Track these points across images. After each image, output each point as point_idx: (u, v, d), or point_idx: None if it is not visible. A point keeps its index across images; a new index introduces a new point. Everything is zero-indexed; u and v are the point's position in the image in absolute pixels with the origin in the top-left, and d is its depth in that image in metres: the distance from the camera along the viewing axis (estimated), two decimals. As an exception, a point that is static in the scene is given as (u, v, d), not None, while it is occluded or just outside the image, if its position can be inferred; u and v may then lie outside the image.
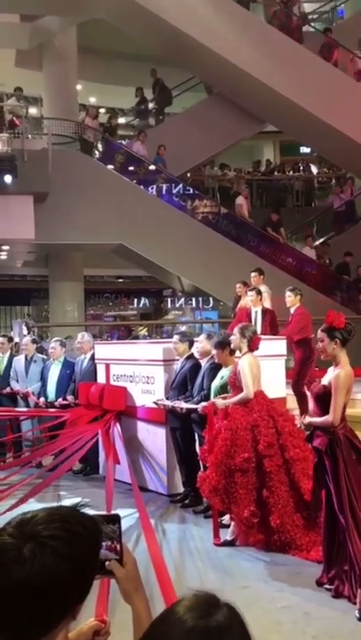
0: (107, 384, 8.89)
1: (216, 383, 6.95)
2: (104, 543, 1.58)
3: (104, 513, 1.64)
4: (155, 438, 8.12)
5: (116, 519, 1.63)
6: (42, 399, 9.55)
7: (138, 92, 18.82)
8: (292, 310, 9.67)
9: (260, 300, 9.95)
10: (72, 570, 1.29)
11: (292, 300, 9.64)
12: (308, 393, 7.87)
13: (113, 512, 1.66)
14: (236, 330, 6.53)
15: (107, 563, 1.60)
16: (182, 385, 7.64)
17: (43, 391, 9.68)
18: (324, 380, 5.07)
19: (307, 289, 14.88)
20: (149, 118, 18.52)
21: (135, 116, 18.55)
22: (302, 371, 9.40)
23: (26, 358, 10.01)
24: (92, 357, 9.40)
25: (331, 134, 15.63)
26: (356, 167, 17.55)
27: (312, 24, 17.85)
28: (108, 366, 9.05)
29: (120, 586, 1.61)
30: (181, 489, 7.71)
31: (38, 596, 1.25)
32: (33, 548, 1.27)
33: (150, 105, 18.67)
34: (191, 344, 7.78)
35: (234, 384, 6.30)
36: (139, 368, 8.46)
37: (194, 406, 7.09)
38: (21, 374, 9.94)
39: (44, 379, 9.75)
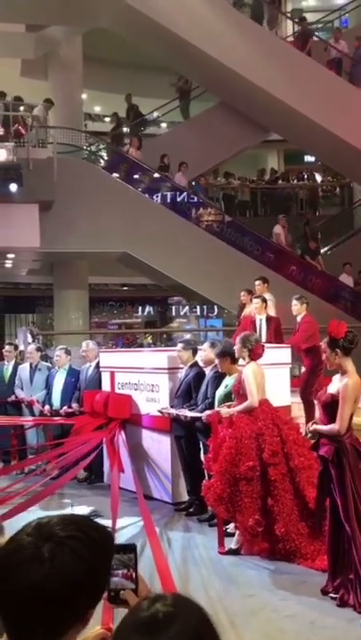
0: (111, 392, 8.90)
1: (220, 392, 6.95)
2: (120, 571, 1.60)
3: (120, 543, 1.66)
4: (159, 446, 8.12)
5: (132, 548, 1.65)
6: (47, 407, 9.56)
7: (113, 118, 18.86)
8: (298, 319, 9.66)
9: (265, 307, 9.96)
10: (87, 572, 1.29)
11: (298, 308, 9.64)
12: (315, 401, 7.86)
13: (130, 542, 1.68)
14: (237, 340, 6.54)
15: (121, 592, 1.60)
16: (187, 393, 7.64)
17: (47, 399, 9.68)
18: (332, 389, 5.07)
19: (312, 297, 14.88)
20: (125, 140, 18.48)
21: (111, 140, 18.56)
22: (310, 378, 9.38)
23: (31, 366, 10.03)
24: (97, 365, 9.41)
25: (335, 143, 15.65)
26: (360, 176, 17.57)
27: (316, 33, 17.91)
28: (112, 374, 9.06)
29: None
30: (186, 497, 7.70)
31: (54, 596, 1.26)
32: (52, 548, 1.28)
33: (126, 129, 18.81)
34: (195, 352, 7.79)
35: (238, 392, 6.30)
36: (143, 376, 8.47)
37: (198, 414, 7.09)
38: (26, 382, 9.96)
39: (48, 387, 9.76)
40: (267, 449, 5.90)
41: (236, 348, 6.50)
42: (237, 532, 6.15)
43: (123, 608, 1.61)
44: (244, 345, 6.34)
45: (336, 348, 4.97)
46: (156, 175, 16.27)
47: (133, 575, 1.62)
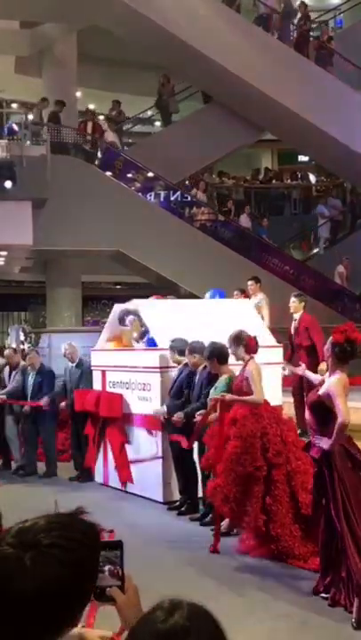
0: (103, 391, 8.88)
1: (211, 392, 6.88)
2: (106, 568, 1.57)
3: (107, 540, 1.63)
4: (151, 445, 8.09)
5: (118, 545, 1.62)
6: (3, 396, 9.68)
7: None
8: (295, 316, 9.44)
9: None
10: (74, 577, 1.28)
11: (296, 305, 9.42)
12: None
13: (116, 539, 1.65)
14: (228, 342, 6.48)
15: (107, 589, 1.58)
16: (180, 391, 7.61)
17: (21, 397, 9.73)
18: (320, 390, 5.05)
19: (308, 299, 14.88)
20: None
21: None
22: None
23: (10, 368, 10.04)
24: (80, 363, 9.39)
25: (329, 143, 15.67)
26: (354, 176, 17.59)
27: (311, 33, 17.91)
28: (104, 373, 9.03)
29: (120, 613, 1.57)
30: (178, 497, 7.68)
31: (42, 604, 1.24)
32: (34, 557, 1.26)
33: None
34: (182, 351, 7.70)
35: (241, 390, 6.21)
36: (135, 375, 8.44)
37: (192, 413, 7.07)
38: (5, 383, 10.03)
39: (24, 387, 9.76)
40: (271, 448, 5.84)
41: (230, 350, 6.46)
42: (227, 520, 6.11)
43: (109, 605, 1.59)
44: (237, 344, 6.30)
45: (333, 350, 4.95)
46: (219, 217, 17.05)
47: (120, 572, 1.59)
